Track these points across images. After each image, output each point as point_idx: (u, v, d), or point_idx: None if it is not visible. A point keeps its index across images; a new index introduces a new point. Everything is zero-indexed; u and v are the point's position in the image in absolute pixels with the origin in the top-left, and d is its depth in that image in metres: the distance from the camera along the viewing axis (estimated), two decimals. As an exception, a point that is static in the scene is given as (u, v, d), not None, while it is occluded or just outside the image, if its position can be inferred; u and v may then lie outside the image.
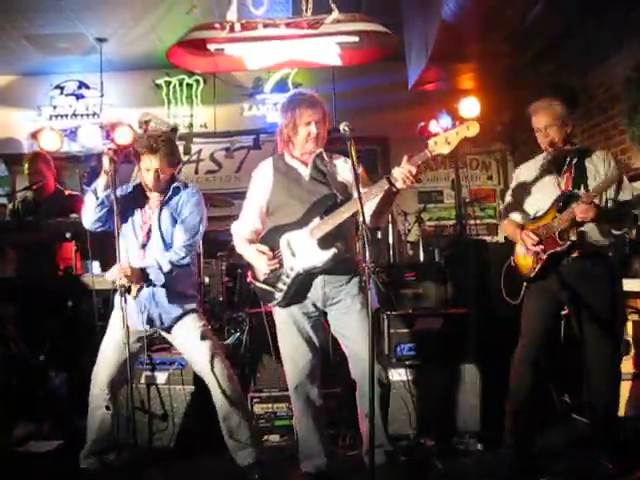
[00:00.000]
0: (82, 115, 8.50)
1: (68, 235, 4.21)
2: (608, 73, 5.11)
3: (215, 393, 3.48)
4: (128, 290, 3.29)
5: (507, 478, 3.45)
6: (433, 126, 7.08)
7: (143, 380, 4.13)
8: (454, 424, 4.04)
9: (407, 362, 4.12)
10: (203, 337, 3.50)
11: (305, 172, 3.32)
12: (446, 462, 3.68)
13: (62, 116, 8.51)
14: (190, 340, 3.51)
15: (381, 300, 2.74)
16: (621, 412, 3.74)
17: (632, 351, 3.86)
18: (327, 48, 4.58)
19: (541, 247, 3.43)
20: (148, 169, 3.43)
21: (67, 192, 5.44)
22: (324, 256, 3.13)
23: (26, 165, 5.22)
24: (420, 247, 6.45)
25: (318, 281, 3.22)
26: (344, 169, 3.34)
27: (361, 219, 2.76)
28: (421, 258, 6.40)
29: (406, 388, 4.05)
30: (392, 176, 3.02)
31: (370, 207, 3.17)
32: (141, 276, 3.33)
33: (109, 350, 3.45)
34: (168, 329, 3.54)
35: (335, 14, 4.31)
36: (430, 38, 5.35)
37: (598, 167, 3.47)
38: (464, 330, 4.25)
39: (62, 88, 8.55)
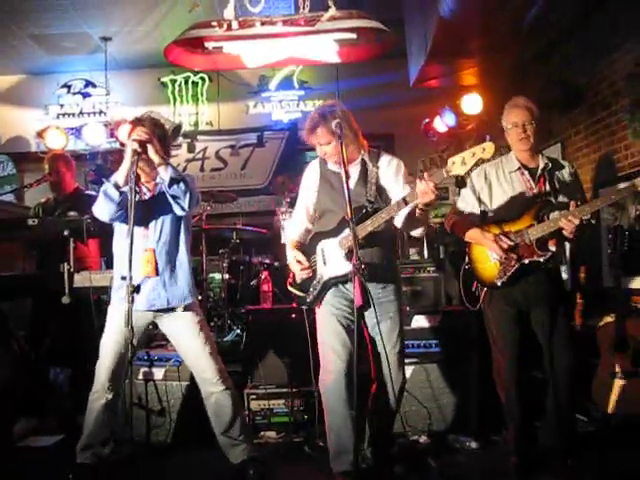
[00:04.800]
0: (89, 113, 8.58)
1: (66, 233, 4.21)
2: (611, 69, 5.06)
3: (205, 389, 3.49)
4: (137, 289, 3.09)
5: (501, 476, 3.44)
6: (437, 122, 7.09)
7: (141, 376, 4.17)
8: (449, 422, 4.05)
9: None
10: (199, 332, 3.49)
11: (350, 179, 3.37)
12: (440, 461, 3.68)
13: (69, 114, 8.59)
14: (186, 334, 3.51)
15: (365, 298, 2.74)
16: (610, 409, 3.72)
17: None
18: (325, 45, 4.56)
19: (514, 254, 3.35)
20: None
21: (87, 192, 5.48)
22: (348, 267, 3.05)
23: (46, 165, 5.28)
24: (424, 244, 6.41)
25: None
26: (386, 173, 3.36)
27: (349, 218, 2.86)
28: (425, 255, 6.35)
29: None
30: (410, 195, 3.07)
31: (400, 219, 3.26)
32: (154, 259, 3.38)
33: (110, 344, 3.41)
34: (169, 316, 3.50)
35: (332, 11, 4.30)
36: (429, 34, 5.33)
37: (566, 178, 3.49)
38: (461, 328, 4.26)
39: (69, 87, 8.63)
